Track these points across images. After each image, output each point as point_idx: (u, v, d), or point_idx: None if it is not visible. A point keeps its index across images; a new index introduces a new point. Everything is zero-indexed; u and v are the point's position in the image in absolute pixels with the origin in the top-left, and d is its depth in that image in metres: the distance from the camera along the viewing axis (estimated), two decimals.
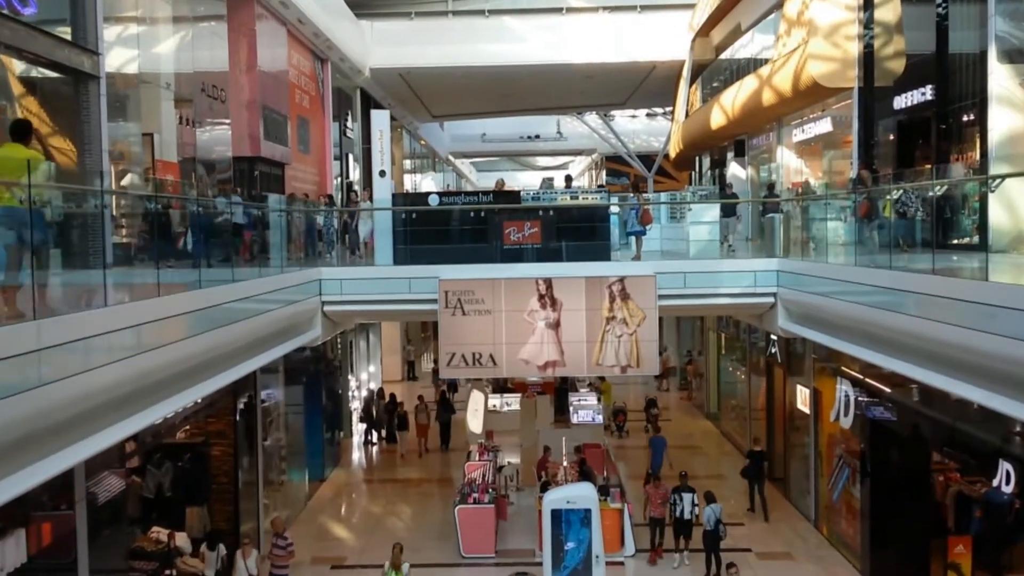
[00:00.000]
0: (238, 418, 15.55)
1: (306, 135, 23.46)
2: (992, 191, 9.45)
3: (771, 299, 15.14)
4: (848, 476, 15.79)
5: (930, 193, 11.47)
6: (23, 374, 6.07)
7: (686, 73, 30.09)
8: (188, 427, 15.13)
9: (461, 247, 15.97)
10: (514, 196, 17.74)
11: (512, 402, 23.59)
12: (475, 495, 16.68)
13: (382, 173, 17.11)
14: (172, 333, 8.87)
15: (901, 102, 17.15)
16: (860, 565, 15.09)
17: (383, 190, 17.36)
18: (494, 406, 23.74)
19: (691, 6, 28.40)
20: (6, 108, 11.78)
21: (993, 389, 8.25)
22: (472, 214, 16.43)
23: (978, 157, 14.30)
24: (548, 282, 14.92)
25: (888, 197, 12.61)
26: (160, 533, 13.12)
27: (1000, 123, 13.78)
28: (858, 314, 11.63)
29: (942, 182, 11.81)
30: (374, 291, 15.49)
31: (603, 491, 16.06)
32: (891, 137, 18.09)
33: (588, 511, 13.92)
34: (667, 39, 29.00)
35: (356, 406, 26.48)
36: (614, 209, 17.61)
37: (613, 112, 45.67)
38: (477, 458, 19.31)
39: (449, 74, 29.99)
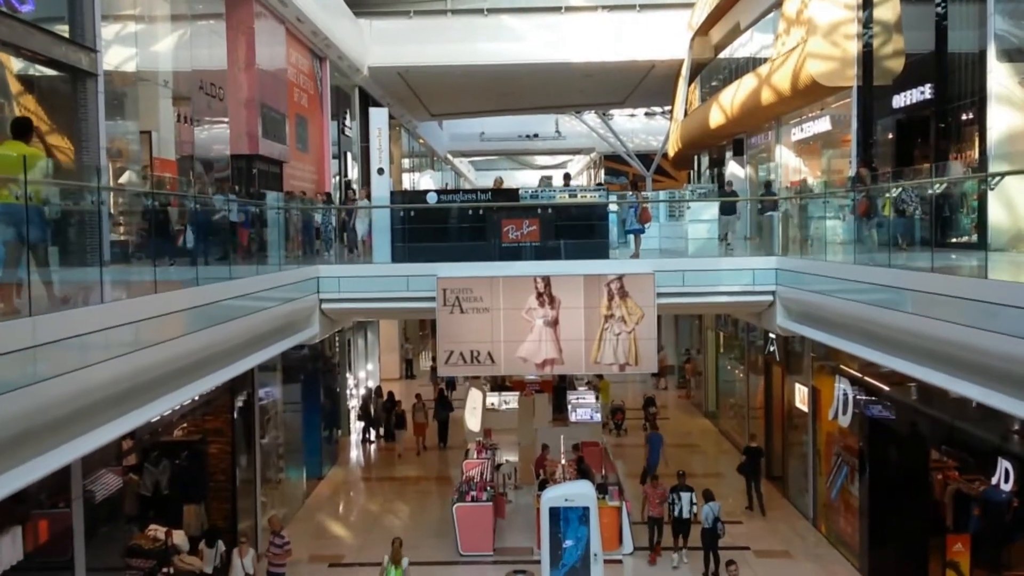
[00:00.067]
0: (236, 416, 15.54)
1: (304, 133, 23.43)
2: (992, 189, 9.43)
3: (770, 297, 15.14)
4: (846, 474, 15.79)
5: (929, 191, 11.45)
6: (18, 370, 6.04)
7: (685, 72, 30.06)
8: (185, 425, 15.12)
9: (459, 245, 15.97)
10: (512, 194, 17.71)
11: (510, 400, 23.58)
12: (473, 493, 16.67)
13: (380, 171, 17.08)
14: (169, 330, 8.85)
15: (900, 101, 17.13)
16: (859, 563, 15.08)
17: (381, 188, 17.34)
18: (492, 404, 23.73)
19: (690, 5, 28.37)
20: (3, 106, 11.75)
21: (992, 387, 8.24)
22: (470, 212, 16.43)
23: (977, 156, 14.29)
24: (546, 280, 14.91)
25: (887, 195, 12.59)
26: (157, 531, 13.09)
27: (999, 122, 13.76)
28: (857, 312, 11.62)
29: (941, 180, 11.80)
30: (372, 289, 15.48)
31: (601, 489, 16.05)
32: (890, 136, 18.07)
33: (586, 509, 13.90)
34: (666, 38, 28.96)
35: (354, 404, 26.46)
36: (613, 207, 17.59)
37: (612, 111, 45.66)
38: (475, 456, 19.31)
39: (448, 73, 29.95)
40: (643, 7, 29.22)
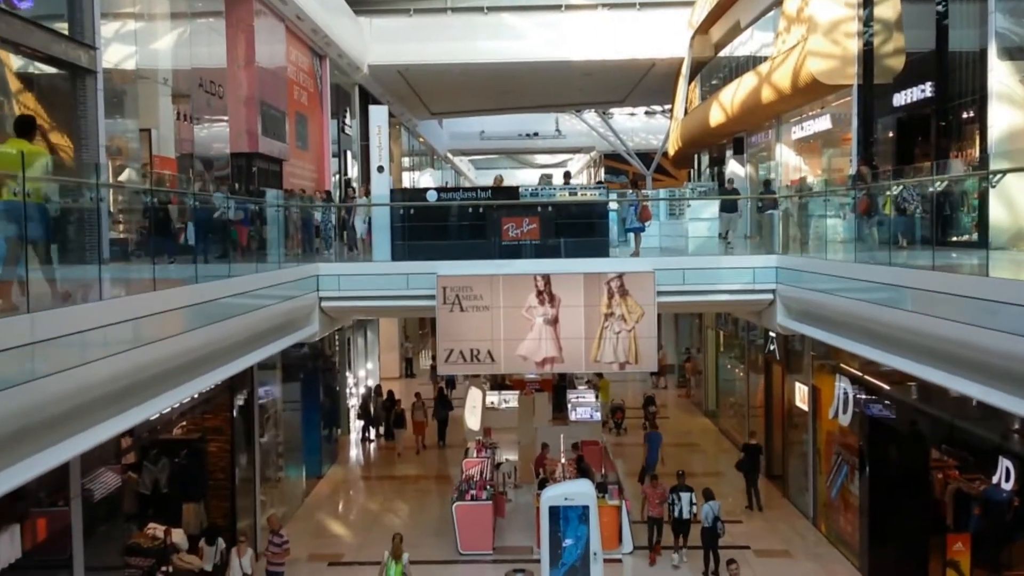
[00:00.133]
0: (235, 414, 15.52)
1: (304, 132, 23.40)
2: (993, 187, 9.41)
3: (770, 296, 15.12)
4: (847, 473, 15.77)
5: (930, 189, 11.43)
6: (16, 367, 6.02)
7: (685, 70, 30.03)
8: (185, 423, 15.10)
9: (459, 243, 15.95)
10: (512, 192, 17.70)
11: (510, 399, 23.57)
12: (473, 492, 16.65)
13: (380, 169, 17.03)
14: (168, 327, 8.83)
15: (901, 99, 17.11)
16: (859, 563, 15.07)
17: (381, 186, 17.31)
18: (492, 403, 23.72)
19: (690, 3, 28.34)
20: (3, 104, 11.73)
21: (993, 385, 8.22)
22: (470, 210, 16.41)
23: (977, 154, 14.28)
24: (546, 278, 14.89)
25: (888, 193, 12.57)
26: (156, 529, 13.07)
27: (1000, 120, 13.76)
28: (858, 310, 11.61)
29: (942, 177, 11.78)
30: (372, 287, 15.47)
31: (601, 488, 16.03)
32: (890, 134, 18.06)
33: (586, 508, 13.88)
34: (666, 36, 28.93)
35: (354, 403, 26.44)
36: (613, 206, 17.56)
37: (612, 110, 45.62)
38: (475, 455, 19.29)
39: (448, 71, 29.93)
40: (643, 5, 29.18)
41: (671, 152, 34.02)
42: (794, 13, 19.59)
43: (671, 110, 34.28)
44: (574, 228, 16.17)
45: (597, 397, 24.14)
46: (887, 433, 14.24)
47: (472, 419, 22.35)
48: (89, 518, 10.30)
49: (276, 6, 20.59)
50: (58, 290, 7.38)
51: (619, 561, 15.80)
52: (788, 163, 23.68)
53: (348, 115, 29.18)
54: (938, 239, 10.95)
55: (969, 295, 8.50)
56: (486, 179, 60.52)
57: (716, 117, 25.18)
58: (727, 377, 25.88)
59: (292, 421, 19.43)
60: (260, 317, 12.13)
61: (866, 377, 14.54)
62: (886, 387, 13.91)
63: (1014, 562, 11.74)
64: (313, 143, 24.41)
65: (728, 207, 18.33)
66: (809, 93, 19.41)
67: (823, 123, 21.01)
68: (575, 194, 17.53)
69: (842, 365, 15.62)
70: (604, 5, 29.40)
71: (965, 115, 15.26)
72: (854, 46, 17.63)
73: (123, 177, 14.30)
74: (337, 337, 24.23)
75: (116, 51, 14.26)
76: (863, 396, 14.81)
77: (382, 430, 24.82)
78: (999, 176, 9.50)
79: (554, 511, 13.85)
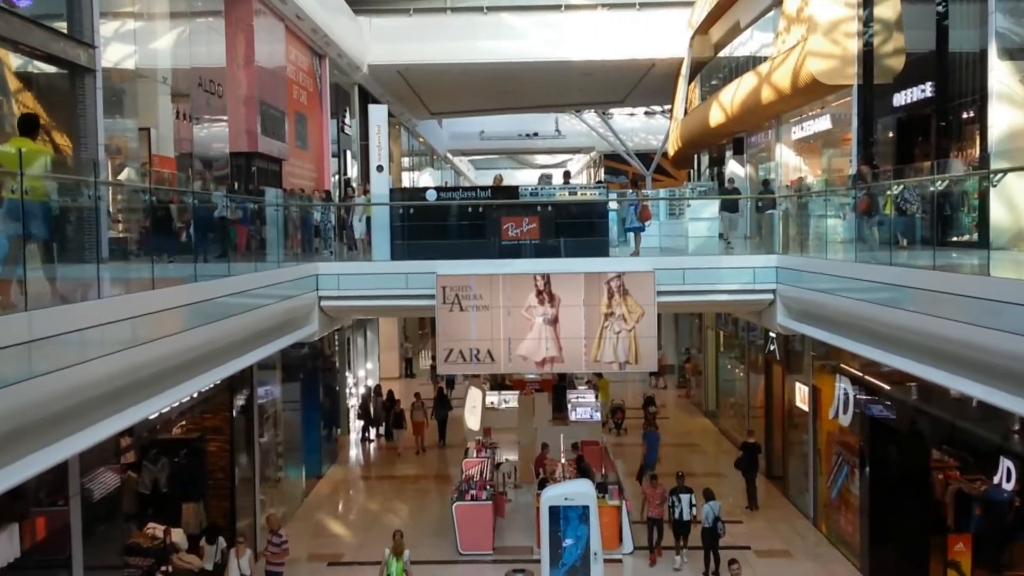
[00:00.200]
0: (235, 414, 15.50)
1: (304, 131, 23.38)
2: (994, 186, 9.39)
3: (770, 296, 15.10)
4: (847, 474, 15.75)
5: (931, 188, 11.41)
6: (14, 365, 6.00)
7: (685, 71, 30.01)
8: (184, 423, 15.07)
9: (459, 243, 15.93)
10: (512, 192, 17.68)
11: (510, 399, 23.54)
12: (473, 492, 16.62)
13: (379, 168, 17.00)
14: (167, 326, 8.81)
15: (901, 99, 17.08)
16: (859, 563, 15.05)
17: (381, 185, 17.28)
18: (492, 403, 23.69)
19: (690, 3, 28.32)
20: (2, 103, 11.71)
21: (994, 385, 8.20)
22: (470, 210, 16.39)
23: (978, 154, 14.26)
24: (546, 278, 14.86)
25: (889, 193, 12.55)
26: (156, 529, 13.03)
27: (1000, 120, 13.73)
28: (858, 310, 11.59)
29: (943, 177, 11.76)
30: (371, 286, 15.44)
31: (601, 488, 16.01)
32: (890, 135, 18.04)
33: (586, 508, 13.85)
34: (666, 36, 28.92)
35: (354, 403, 26.41)
36: (613, 205, 17.54)
37: (611, 110, 45.60)
38: (475, 455, 19.26)
39: (447, 71, 29.92)
40: (643, 5, 29.17)
41: (671, 152, 34.00)
42: (794, 13, 19.58)
43: (671, 110, 34.26)
44: (574, 228, 16.14)
45: (597, 397, 24.11)
46: (888, 433, 14.22)
47: (472, 419, 22.33)
48: (88, 517, 10.28)
49: (276, 6, 20.58)
50: (57, 290, 7.37)
51: (619, 561, 15.78)
52: (788, 163, 23.66)
53: (348, 115, 29.17)
54: (938, 239, 10.94)
55: (971, 295, 8.48)
56: (486, 179, 60.46)
57: (716, 117, 25.17)
58: (727, 377, 25.87)
59: (292, 421, 19.41)
60: (259, 316, 12.10)
61: (866, 377, 14.52)
62: (886, 387, 13.89)
63: (1015, 563, 11.73)
64: (312, 143, 24.39)
65: (730, 207, 18.31)
66: (809, 93, 19.40)
67: (823, 123, 21.00)
68: (575, 194, 17.49)
69: (842, 365, 15.60)
70: (604, 5, 29.39)
71: (965, 115, 15.24)
72: (854, 46, 17.63)
73: (123, 176, 14.28)
74: (337, 337, 24.20)
75: (115, 50, 14.24)
76: (863, 396, 14.79)
77: (382, 430, 24.79)
78: (1000, 175, 9.47)
79: (554, 511, 13.83)
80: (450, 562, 15.89)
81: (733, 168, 28.00)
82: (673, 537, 15.64)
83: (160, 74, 15.76)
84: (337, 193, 25.59)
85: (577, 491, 14.15)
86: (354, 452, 24.51)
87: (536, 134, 51.70)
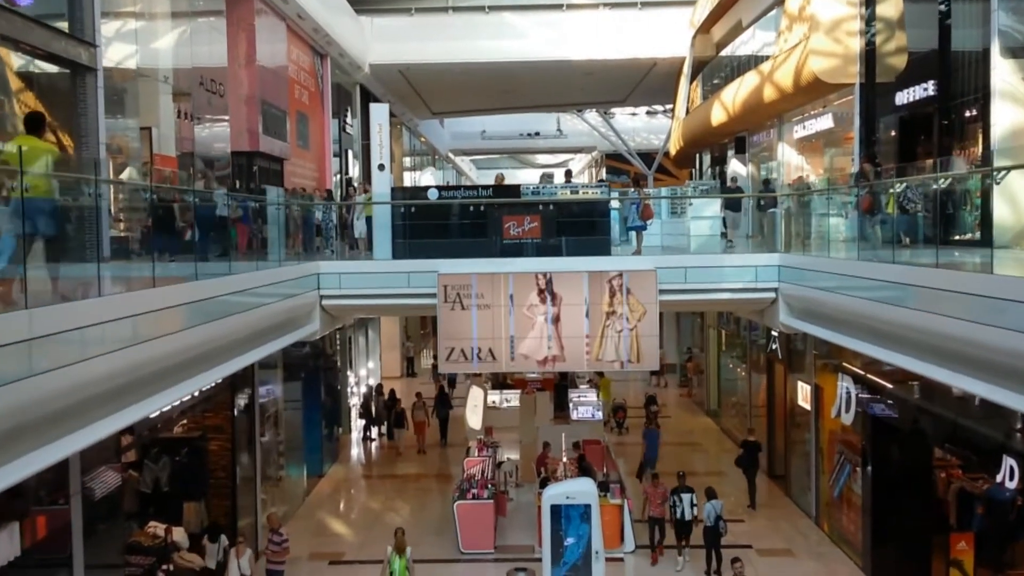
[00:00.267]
0: (236, 413, 15.49)
1: (305, 131, 23.38)
2: (998, 183, 9.37)
3: (772, 294, 15.06)
4: (849, 472, 15.72)
5: (934, 186, 11.39)
6: (15, 363, 5.99)
7: (687, 70, 30.00)
8: (186, 422, 15.06)
9: (460, 241, 15.92)
10: (514, 191, 17.66)
11: (511, 398, 23.54)
12: (474, 491, 16.62)
13: (381, 167, 16.99)
14: (168, 325, 8.79)
15: (903, 98, 17.07)
16: (861, 562, 15.02)
17: (382, 184, 17.27)
18: (493, 402, 23.69)
19: (692, 2, 28.31)
20: (3, 103, 11.70)
21: (998, 383, 8.16)
22: (471, 208, 16.37)
23: (980, 152, 14.24)
24: (548, 277, 14.84)
25: (891, 191, 12.53)
26: (157, 528, 13.03)
27: (1003, 118, 13.74)
28: (861, 308, 11.56)
29: (946, 175, 11.74)
30: (373, 285, 15.42)
31: (603, 487, 16.00)
32: (893, 133, 18.02)
33: (588, 507, 13.82)
34: (668, 36, 28.90)
35: (355, 402, 26.41)
36: (615, 204, 17.53)
37: (613, 110, 45.56)
38: (476, 454, 19.25)
39: (449, 70, 29.91)
40: (644, 5, 29.16)
41: (672, 152, 33.98)
42: (796, 12, 19.57)
43: (672, 110, 34.25)
44: (576, 226, 16.11)
45: (598, 396, 24.09)
46: (890, 432, 14.19)
47: (473, 418, 22.31)
48: (89, 516, 10.26)
49: (277, 5, 20.57)
50: (59, 288, 7.37)
51: (621, 560, 15.76)
52: (790, 162, 23.64)
53: (349, 114, 29.16)
54: (941, 238, 10.92)
55: (974, 292, 8.45)
56: (487, 179, 60.50)
57: (718, 116, 25.15)
58: (729, 376, 25.84)
59: (293, 420, 19.40)
60: (260, 315, 12.09)
61: (869, 376, 14.49)
62: (889, 386, 13.85)
63: (1018, 561, 11.71)
64: (314, 142, 24.38)
65: (733, 206, 18.29)
66: (811, 92, 19.38)
67: (825, 122, 20.97)
68: (576, 192, 17.46)
69: (844, 364, 15.57)
70: (605, 4, 29.38)
71: (968, 113, 15.23)
72: (856, 45, 17.60)
73: (124, 176, 14.28)
74: (338, 336, 24.20)
75: (117, 49, 14.23)
76: (866, 395, 14.76)
77: (383, 429, 24.77)
78: (1004, 173, 9.45)
79: (556, 510, 13.80)
80: (451, 561, 15.87)
81: (735, 167, 27.98)
82: (675, 537, 15.62)
83: (161, 73, 15.75)
84: (339, 193, 25.57)
85: (579, 490, 14.12)
86: (355, 451, 24.50)
87: (538, 134, 51.67)
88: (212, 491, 15.02)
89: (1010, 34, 13.86)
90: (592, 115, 46.64)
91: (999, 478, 10.97)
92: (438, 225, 16.20)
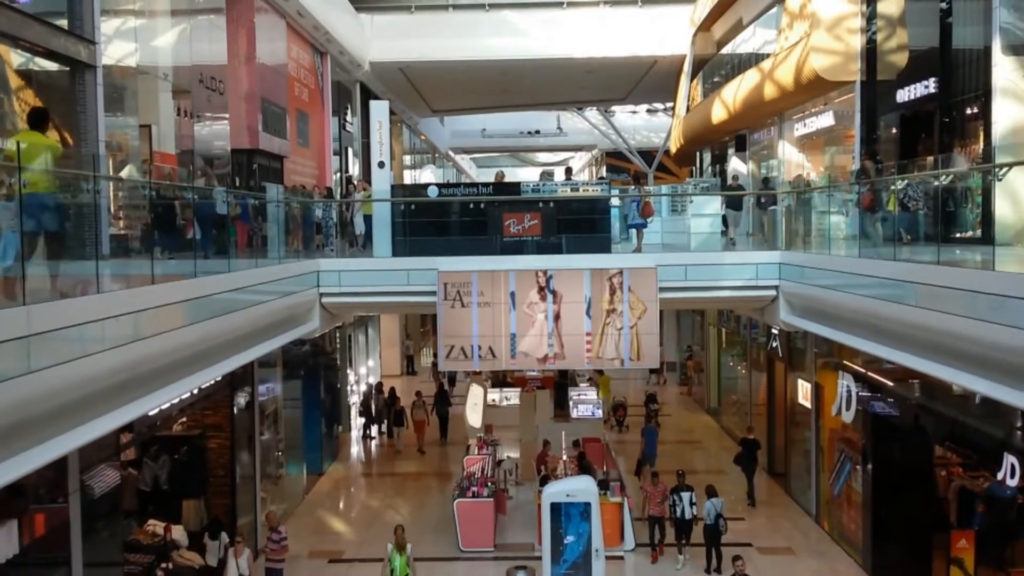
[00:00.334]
0: (236, 411, 15.46)
1: (305, 128, 23.35)
2: (1000, 180, 9.34)
3: (773, 292, 15.04)
4: (850, 471, 15.70)
5: (935, 183, 11.36)
6: (13, 359, 5.96)
7: (687, 68, 29.98)
8: (185, 420, 15.03)
9: (460, 239, 15.90)
10: (514, 188, 17.64)
11: (511, 396, 23.53)
12: (474, 489, 16.60)
13: (381, 164, 16.97)
14: (167, 322, 8.77)
15: (904, 96, 17.05)
16: (862, 560, 15.01)
17: (382, 181, 17.24)
18: (493, 400, 23.67)
19: (692, 1, 28.28)
20: (3, 100, 11.68)
21: (999, 380, 8.14)
22: (471, 206, 16.33)
23: (981, 149, 14.22)
24: (548, 274, 14.81)
25: (892, 188, 12.50)
26: (156, 526, 13.03)
27: (1004, 115, 13.73)
28: (861, 306, 11.53)
29: (948, 172, 11.71)
30: (372, 283, 15.40)
31: (603, 485, 15.98)
32: (894, 131, 17.99)
33: (588, 505, 13.80)
34: (668, 34, 28.89)
35: (355, 400, 26.39)
36: (615, 201, 17.50)
37: (613, 108, 45.53)
38: (476, 452, 19.24)
39: (449, 68, 29.88)
40: (645, 2, 29.14)
41: (673, 150, 33.96)
42: (797, 9, 19.54)
43: (673, 108, 34.22)
44: (576, 224, 16.07)
45: (598, 394, 24.07)
46: (890, 430, 14.18)
47: (473, 416, 22.30)
48: (88, 514, 10.24)
49: (277, 2, 20.55)
50: (58, 285, 7.35)
51: (621, 559, 15.75)
52: (791, 160, 23.62)
53: (349, 112, 29.12)
54: (942, 235, 10.89)
55: (976, 289, 8.43)
56: (488, 177, 60.38)
57: (718, 114, 25.13)
58: (729, 374, 25.82)
59: (293, 418, 19.38)
60: (260, 312, 12.06)
61: (869, 374, 14.47)
62: (889, 384, 13.84)
63: (1018, 559, 11.70)
64: (314, 140, 24.36)
65: (734, 204, 18.27)
66: (812, 90, 19.37)
67: (826, 120, 20.95)
68: (576, 190, 17.43)
69: (845, 362, 15.54)
70: (606, 2, 29.36)
71: (969, 111, 15.20)
72: (857, 42, 17.59)
73: (124, 174, 14.25)
74: (338, 334, 24.18)
75: (116, 47, 14.19)
76: (866, 393, 14.74)
77: (383, 427, 24.75)
78: (1005, 170, 9.42)
79: (556, 508, 13.78)
80: (451, 559, 15.86)
81: (736, 165, 27.96)
82: (675, 535, 15.60)
83: (161, 71, 15.72)
84: (339, 190, 25.55)
85: (579, 488, 14.10)
86: (355, 449, 24.48)
87: (538, 132, 51.64)
88: (211, 489, 15.02)
89: (1011, 31, 13.84)
90: (592, 113, 46.61)
91: (1000, 476, 10.94)
92: (438, 223, 16.18)
